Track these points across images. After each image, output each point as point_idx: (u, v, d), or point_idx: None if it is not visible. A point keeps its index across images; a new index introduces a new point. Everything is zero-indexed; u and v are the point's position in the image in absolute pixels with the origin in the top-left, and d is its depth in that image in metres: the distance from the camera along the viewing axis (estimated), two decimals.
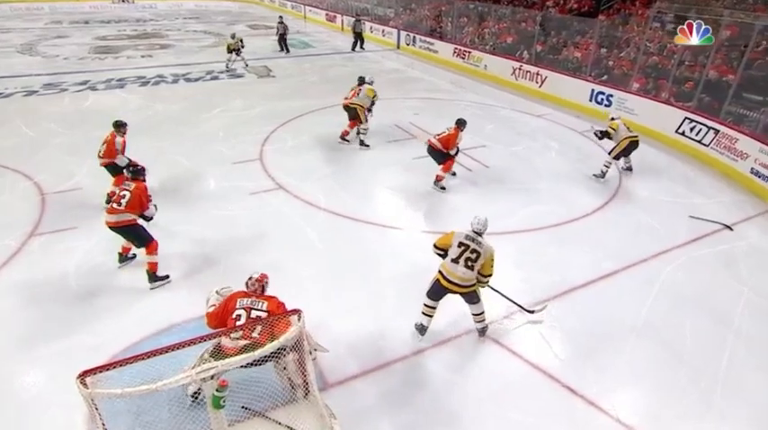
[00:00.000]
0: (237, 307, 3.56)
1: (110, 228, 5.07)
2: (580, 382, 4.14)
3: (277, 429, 3.36)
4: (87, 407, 2.69)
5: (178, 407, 3.44)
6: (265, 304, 3.61)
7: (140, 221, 5.13)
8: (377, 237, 6.30)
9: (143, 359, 2.79)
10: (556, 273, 5.61)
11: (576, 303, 5.18)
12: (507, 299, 4.86)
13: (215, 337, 3.30)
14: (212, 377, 2.91)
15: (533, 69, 13.29)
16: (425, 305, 4.52)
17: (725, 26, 9.71)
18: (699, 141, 9.18)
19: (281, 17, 18.96)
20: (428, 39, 17.90)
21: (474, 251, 4.24)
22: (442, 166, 7.45)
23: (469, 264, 4.23)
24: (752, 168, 7.94)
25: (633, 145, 7.85)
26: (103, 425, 2.75)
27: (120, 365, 2.75)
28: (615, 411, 3.89)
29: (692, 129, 9.35)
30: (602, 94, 11.38)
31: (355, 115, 8.97)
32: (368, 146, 9.16)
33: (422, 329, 4.54)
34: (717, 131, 8.80)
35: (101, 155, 6.45)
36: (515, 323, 4.84)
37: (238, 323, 3.46)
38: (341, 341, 4.42)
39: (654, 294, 5.33)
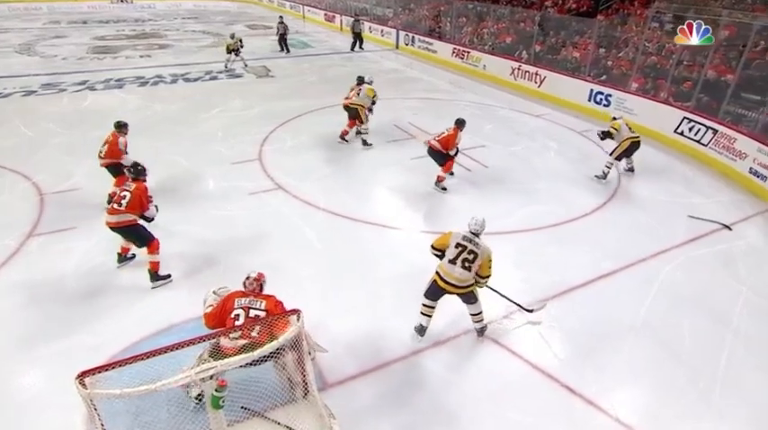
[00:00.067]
0: (235, 306, 3.57)
1: (110, 228, 5.07)
2: (579, 382, 4.15)
3: (276, 429, 3.36)
4: (86, 407, 2.69)
5: (177, 408, 3.43)
6: (263, 303, 3.62)
7: (141, 221, 5.12)
8: (375, 237, 6.30)
9: (142, 359, 2.79)
10: (555, 272, 5.61)
11: (575, 303, 5.18)
12: (506, 298, 4.86)
13: (214, 337, 3.30)
14: (211, 377, 2.91)
15: (532, 69, 13.30)
16: (424, 305, 4.51)
17: (723, 26, 9.72)
18: (697, 141, 9.19)
19: (281, 17, 18.97)
20: (427, 39, 17.90)
21: (471, 252, 4.23)
22: (442, 167, 7.45)
23: (467, 264, 4.23)
24: (750, 168, 7.95)
25: (635, 145, 7.82)
26: (102, 425, 2.74)
27: (119, 366, 2.75)
28: (614, 410, 3.90)
29: (690, 129, 9.36)
30: (601, 93, 11.39)
31: (356, 115, 8.99)
32: (370, 144, 9.18)
33: (421, 330, 4.54)
34: (715, 131, 8.82)
35: (102, 155, 6.43)
36: (515, 323, 4.84)
37: (237, 323, 3.47)
38: (340, 341, 4.42)
39: (653, 294, 5.33)
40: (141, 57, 16.82)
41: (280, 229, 6.34)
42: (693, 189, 8.02)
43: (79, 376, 2.64)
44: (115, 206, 4.98)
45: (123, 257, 5.50)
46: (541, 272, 5.63)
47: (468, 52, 15.72)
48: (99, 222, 5.27)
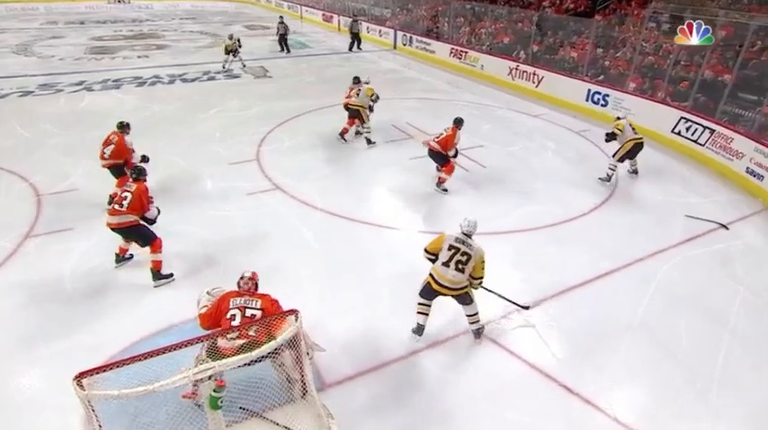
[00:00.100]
0: (231, 307, 3.56)
1: (112, 229, 5.07)
2: (577, 381, 4.15)
3: (275, 429, 3.36)
4: (84, 408, 2.69)
5: (175, 409, 3.42)
6: (259, 302, 3.62)
7: (142, 221, 5.13)
8: (373, 237, 6.30)
9: (140, 360, 2.78)
10: (553, 272, 5.62)
11: (572, 303, 5.19)
12: (500, 297, 4.87)
13: (212, 338, 3.29)
14: (210, 378, 2.91)
15: (530, 69, 13.32)
16: (420, 304, 4.52)
17: (720, 26, 9.74)
18: (695, 141, 9.21)
19: (281, 17, 18.99)
20: (425, 39, 17.91)
21: (464, 254, 4.23)
22: (444, 169, 7.43)
23: (460, 266, 4.23)
24: (747, 167, 7.97)
25: (638, 147, 7.74)
26: (100, 426, 2.74)
27: (117, 366, 2.74)
28: (612, 410, 3.90)
29: (687, 129, 9.38)
30: (599, 93, 11.41)
31: (356, 115, 9.02)
32: (374, 142, 9.22)
33: (419, 329, 4.54)
34: (712, 131, 8.84)
35: (107, 156, 6.39)
36: (513, 323, 4.84)
37: (233, 323, 3.46)
38: (338, 341, 4.42)
39: (650, 293, 5.35)
40: (139, 57, 16.79)
41: (278, 230, 6.34)
42: (690, 189, 8.04)
43: (77, 377, 2.63)
44: (116, 207, 4.98)
45: (121, 258, 5.49)
46: (539, 272, 5.64)
47: (466, 52, 15.73)
48: (97, 223, 5.26)
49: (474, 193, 7.56)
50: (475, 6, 16.96)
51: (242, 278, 3.83)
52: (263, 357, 3.08)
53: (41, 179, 7.41)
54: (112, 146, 6.38)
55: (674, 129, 9.65)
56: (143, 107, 11.27)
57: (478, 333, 4.57)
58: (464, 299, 4.40)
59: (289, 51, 18.04)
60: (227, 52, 15.06)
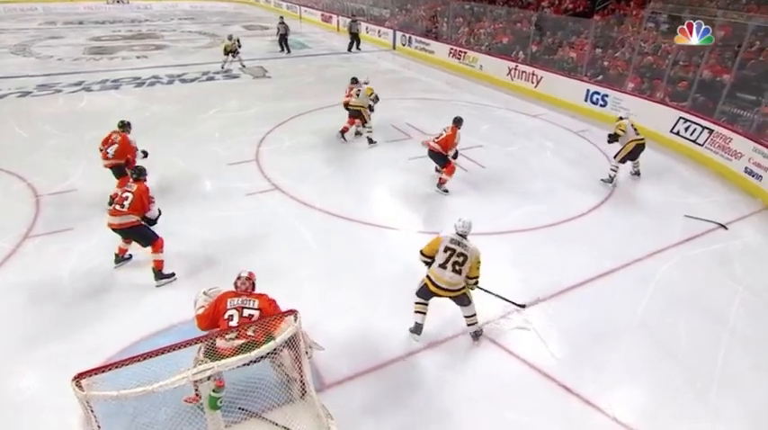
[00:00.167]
0: (228, 307, 3.54)
1: (113, 230, 5.06)
2: (576, 381, 4.15)
3: None
4: (83, 409, 2.68)
5: (174, 409, 3.42)
6: (257, 302, 3.61)
7: (143, 222, 5.12)
8: (372, 237, 6.30)
9: (139, 361, 2.78)
10: (552, 272, 5.61)
11: (572, 302, 5.19)
12: (497, 296, 4.87)
13: (210, 338, 3.29)
14: (209, 378, 2.91)
15: (529, 69, 13.32)
16: (417, 303, 4.52)
17: (719, 26, 9.76)
18: (693, 141, 9.22)
19: (281, 17, 19.00)
20: (424, 39, 17.91)
21: (461, 254, 4.23)
22: (444, 170, 7.42)
23: (457, 268, 4.22)
24: (746, 167, 7.98)
25: (639, 148, 7.71)
26: (99, 427, 2.74)
27: (116, 367, 2.74)
28: (611, 410, 3.90)
29: (686, 129, 9.39)
30: (598, 94, 11.42)
31: (357, 115, 9.02)
32: (375, 142, 9.24)
33: (417, 328, 4.54)
34: (711, 131, 8.85)
35: (111, 155, 6.37)
36: (512, 323, 4.84)
37: (231, 323, 3.45)
38: (337, 341, 4.42)
39: (649, 293, 5.35)
40: (138, 57, 16.78)
41: (277, 230, 6.33)
42: (689, 189, 8.04)
43: (76, 378, 2.63)
44: (117, 207, 4.97)
45: (120, 258, 5.49)
46: (538, 271, 5.63)
47: (465, 52, 15.74)
48: (96, 223, 5.26)
49: (473, 193, 7.56)
50: (474, 6, 16.98)
51: (239, 278, 3.81)
52: (261, 357, 3.07)
53: (40, 180, 7.40)
54: (116, 145, 6.36)
55: (672, 129, 9.66)
56: (142, 107, 11.26)
57: (476, 335, 4.56)
58: (462, 300, 4.40)
59: (289, 51, 18.05)
60: (227, 52, 15.06)
